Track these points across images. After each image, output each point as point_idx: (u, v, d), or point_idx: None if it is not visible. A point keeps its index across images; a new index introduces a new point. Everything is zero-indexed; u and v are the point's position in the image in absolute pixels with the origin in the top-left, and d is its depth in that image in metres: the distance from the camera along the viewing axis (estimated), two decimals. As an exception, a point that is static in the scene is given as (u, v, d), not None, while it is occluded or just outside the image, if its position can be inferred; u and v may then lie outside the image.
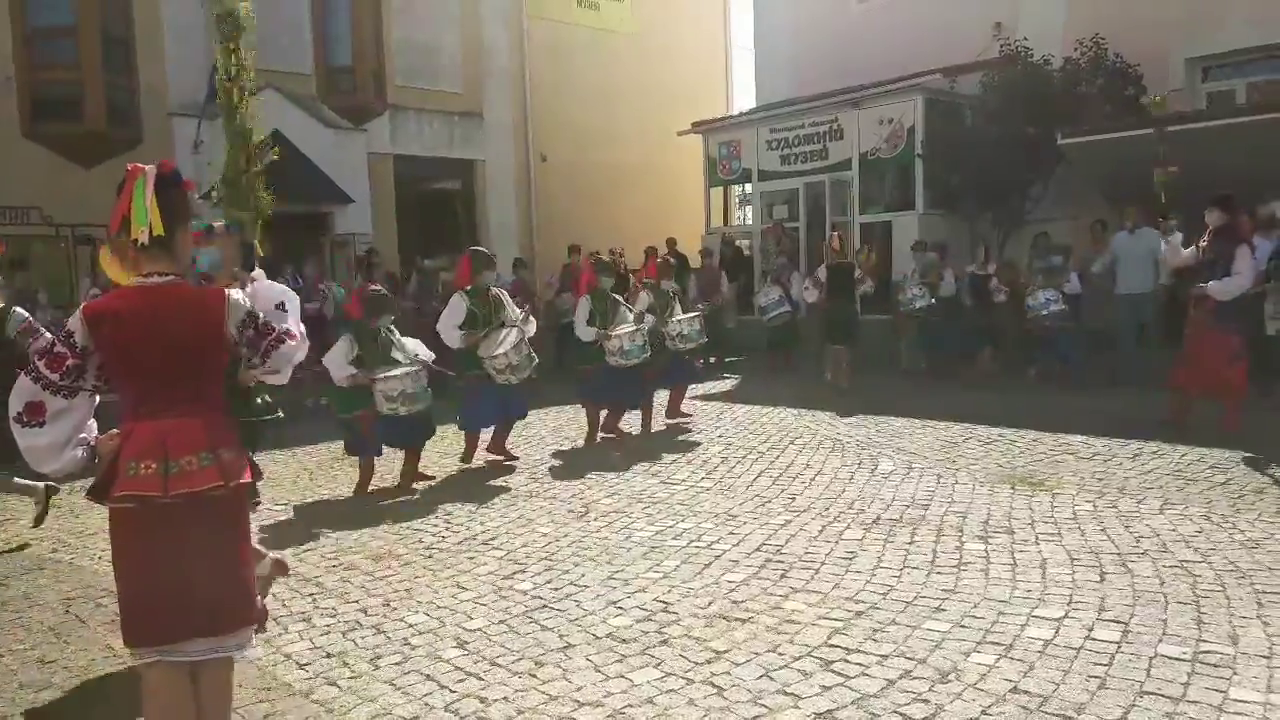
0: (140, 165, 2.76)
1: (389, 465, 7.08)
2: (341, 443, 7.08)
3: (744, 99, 22.25)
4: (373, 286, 8.00)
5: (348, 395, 6.63)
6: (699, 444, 7.97)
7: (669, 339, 8.59)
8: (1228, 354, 7.17)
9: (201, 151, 13.46)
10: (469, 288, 7.26)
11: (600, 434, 8.32)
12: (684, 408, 9.24)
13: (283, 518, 6.06)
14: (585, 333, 8.05)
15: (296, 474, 7.34)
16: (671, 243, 15.53)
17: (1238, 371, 7.21)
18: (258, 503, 3.34)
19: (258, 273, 3.29)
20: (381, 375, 6.45)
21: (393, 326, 6.91)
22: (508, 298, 7.63)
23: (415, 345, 6.90)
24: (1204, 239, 7.31)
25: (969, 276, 11.70)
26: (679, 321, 8.71)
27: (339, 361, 6.54)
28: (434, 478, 7.08)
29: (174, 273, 2.76)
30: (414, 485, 6.85)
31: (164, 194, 2.72)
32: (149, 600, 2.64)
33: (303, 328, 3.10)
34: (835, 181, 14.95)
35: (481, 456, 7.60)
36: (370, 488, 6.76)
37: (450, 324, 7.13)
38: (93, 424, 2.77)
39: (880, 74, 14.12)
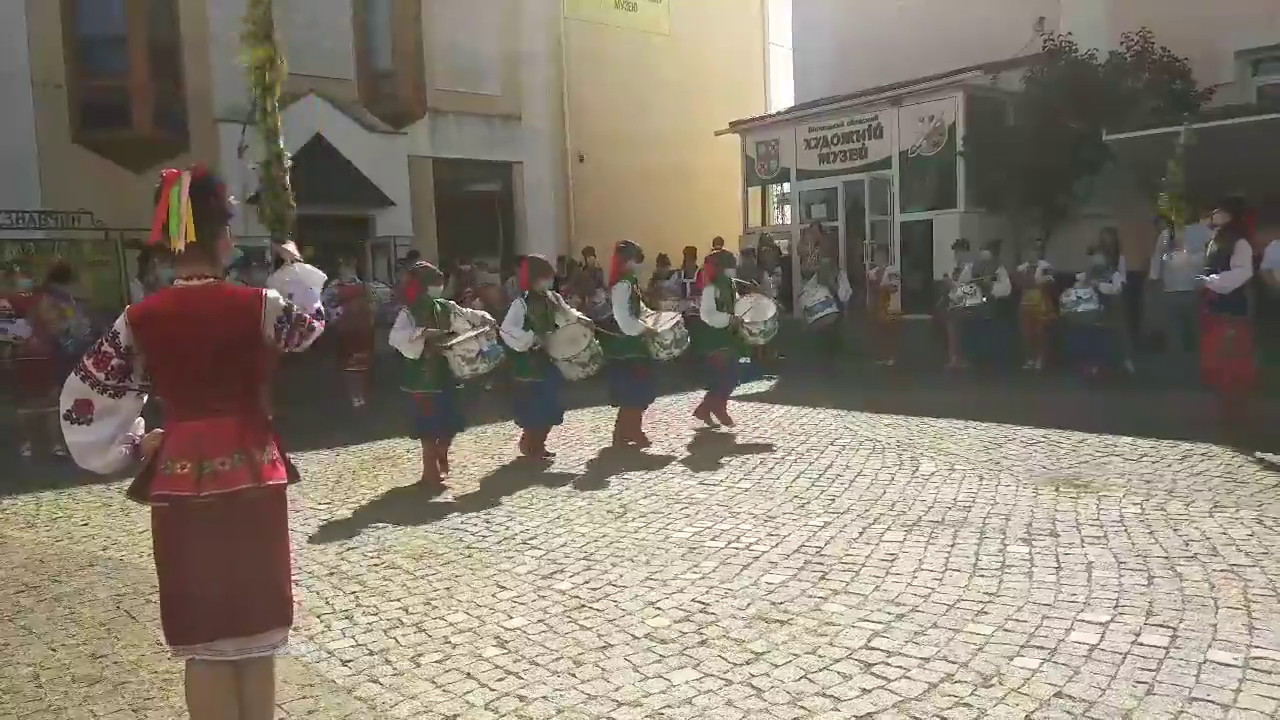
0: (175, 171, 2.76)
1: (411, 463, 7.16)
2: (381, 443, 7.14)
3: (782, 98, 22.21)
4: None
5: (415, 370, 6.87)
6: (737, 445, 7.95)
7: (746, 331, 8.56)
8: (1223, 343, 7.30)
9: (245, 157, 13.67)
10: (526, 292, 7.48)
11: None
12: (712, 416, 8.75)
13: (325, 517, 6.14)
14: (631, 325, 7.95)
15: (339, 474, 7.43)
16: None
17: (1242, 362, 7.31)
18: None
19: (290, 246, 3.24)
20: (455, 341, 6.74)
21: (449, 301, 7.21)
22: (563, 301, 7.81)
23: (477, 314, 7.21)
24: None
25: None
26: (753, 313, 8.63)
27: (403, 331, 6.79)
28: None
29: (212, 275, 2.79)
30: (442, 479, 6.97)
31: (199, 199, 2.73)
32: (184, 599, 2.70)
33: (321, 307, 3.10)
34: (875, 180, 14.84)
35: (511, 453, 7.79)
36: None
37: (513, 326, 7.31)
38: (139, 423, 2.80)
39: (920, 71, 14.01)
